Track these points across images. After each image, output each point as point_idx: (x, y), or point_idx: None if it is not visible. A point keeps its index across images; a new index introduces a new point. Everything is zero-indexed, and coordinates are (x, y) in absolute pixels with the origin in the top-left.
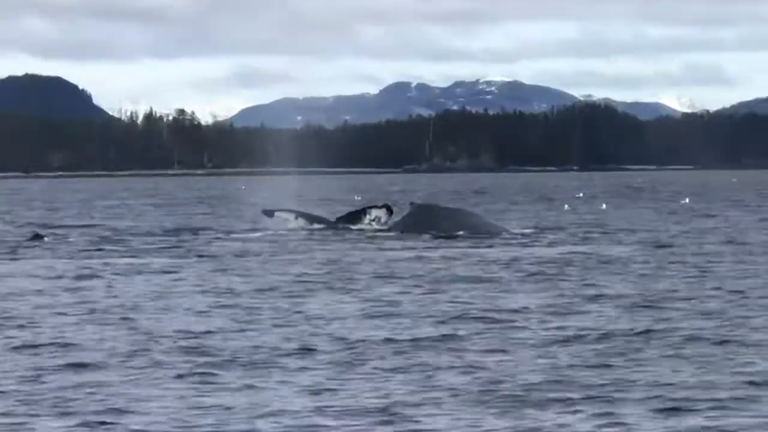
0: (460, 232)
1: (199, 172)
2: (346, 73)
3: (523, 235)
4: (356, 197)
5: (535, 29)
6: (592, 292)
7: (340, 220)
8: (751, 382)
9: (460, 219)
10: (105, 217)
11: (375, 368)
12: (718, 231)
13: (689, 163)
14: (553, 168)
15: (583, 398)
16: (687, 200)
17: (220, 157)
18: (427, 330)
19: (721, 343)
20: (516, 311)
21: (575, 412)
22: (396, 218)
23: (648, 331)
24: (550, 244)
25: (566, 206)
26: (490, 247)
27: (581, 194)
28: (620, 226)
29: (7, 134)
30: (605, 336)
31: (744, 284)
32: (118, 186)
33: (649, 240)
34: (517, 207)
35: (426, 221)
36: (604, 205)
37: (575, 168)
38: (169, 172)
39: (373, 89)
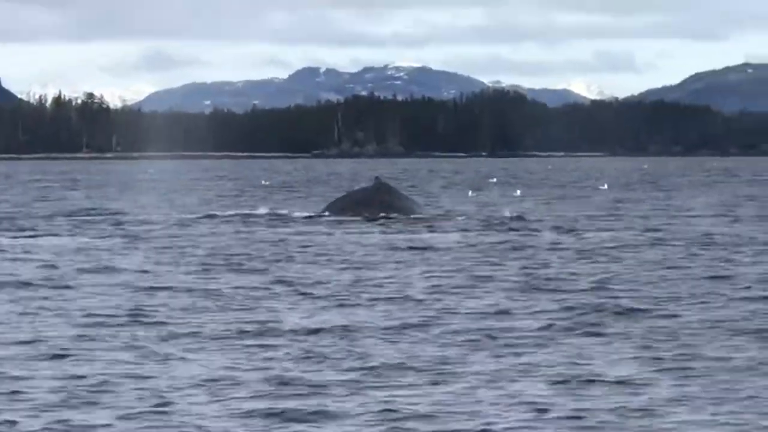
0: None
1: (108, 155)
2: (255, 58)
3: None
4: (263, 182)
5: (443, 15)
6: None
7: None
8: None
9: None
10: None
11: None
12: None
13: (598, 150)
14: (462, 154)
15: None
16: (606, 186)
17: (128, 141)
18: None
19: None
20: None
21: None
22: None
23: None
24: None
25: (470, 192)
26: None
27: (494, 180)
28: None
29: None
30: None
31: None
32: (24, 169)
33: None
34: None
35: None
36: (518, 191)
37: (484, 154)
38: (78, 155)
39: (282, 74)
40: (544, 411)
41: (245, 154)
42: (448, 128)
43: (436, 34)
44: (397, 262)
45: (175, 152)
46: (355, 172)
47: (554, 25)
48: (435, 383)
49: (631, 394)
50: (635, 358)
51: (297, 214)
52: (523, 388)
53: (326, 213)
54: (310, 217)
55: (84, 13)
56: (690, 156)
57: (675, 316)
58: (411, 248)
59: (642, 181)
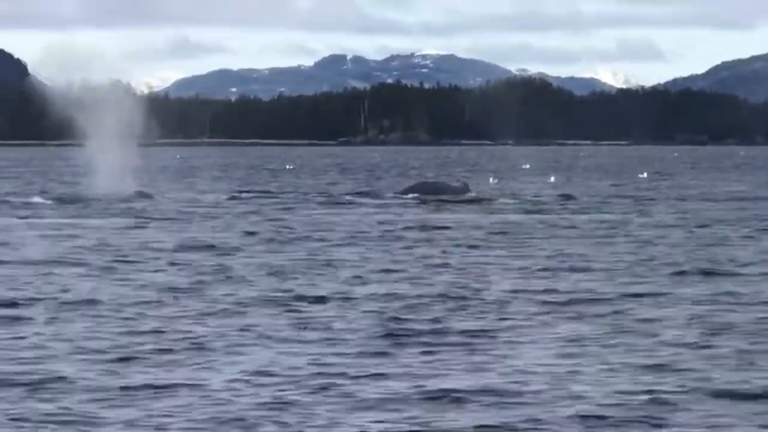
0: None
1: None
2: (281, 45)
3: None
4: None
5: (470, 3)
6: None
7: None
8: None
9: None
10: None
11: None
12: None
13: (623, 139)
14: (489, 142)
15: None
16: (645, 174)
17: (155, 127)
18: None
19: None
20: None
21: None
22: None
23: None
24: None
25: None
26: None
27: (528, 165)
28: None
29: None
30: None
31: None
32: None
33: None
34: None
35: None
36: (552, 178)
37: (510, 142)
38: (105, 142)
39: (309, 61)
40: None
41: (271, 141)
42: (474, 116)
43: (462, 22)
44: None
45: (200, 139)
46: (388, 159)
47: (580, 13)
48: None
49: None
50: None
51: (386, 194)
52: None
53: (409, 195)
54: (398, 196)
55: (111, 0)
56: (716, 145)
57: None
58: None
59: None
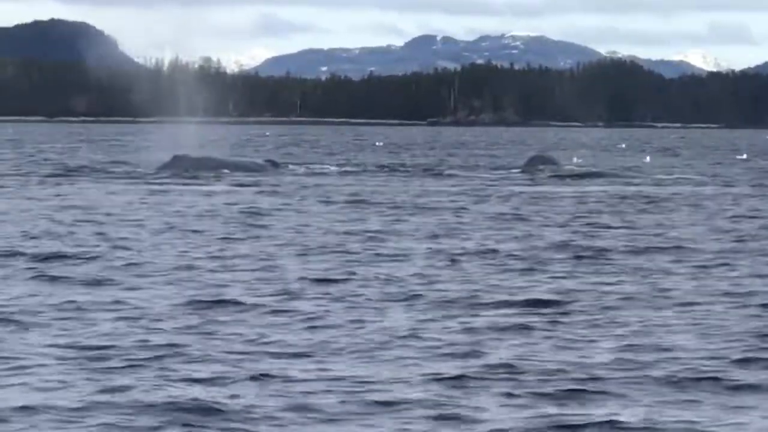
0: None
1: (224, 119)
2: (371, 25)
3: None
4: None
5: None
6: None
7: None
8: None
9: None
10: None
11: None
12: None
13: (714, 122)
14: (578, 124)
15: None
16: (745, 155)
17: (244, 105)
18: None
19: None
20: None
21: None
22: None
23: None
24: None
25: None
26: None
27: (623, 145)
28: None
29: (32, 79)
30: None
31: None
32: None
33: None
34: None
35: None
36: (648, 158)
37: (600, 124)
38: (194, 119)
39: (398, 41)
40: None
41: (361, 120)
42: (564, 98)
43: (552, 3)
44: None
45: (289, 117)
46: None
47: None
48: None
49: None
50: None
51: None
52: None
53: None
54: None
55: None
56: None
57: None
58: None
59: None
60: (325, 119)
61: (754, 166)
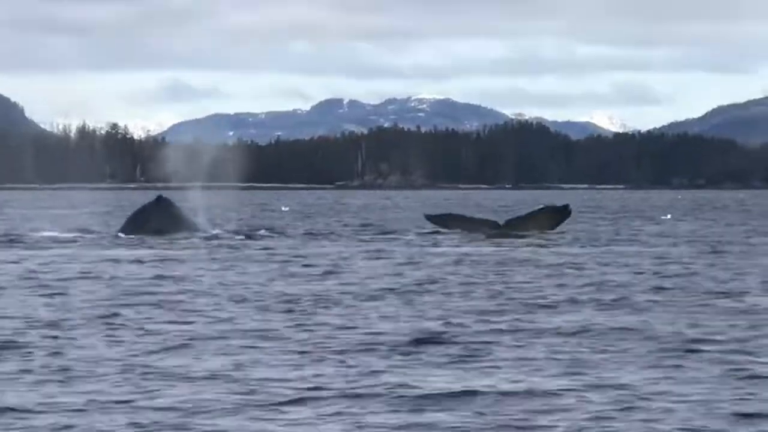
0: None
1: (132, 185)
2: (278, 89)
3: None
4: (283, 208)
5: (464, 47)
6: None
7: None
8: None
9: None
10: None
11: None
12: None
13: (620, 183)
14: (485, 186)
15: None
16: (669, 216)
17: (152, 171)
18: None
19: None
20: None
21: None
22: None
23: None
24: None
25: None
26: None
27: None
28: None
29: None
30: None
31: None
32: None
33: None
34: None
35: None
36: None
37: (508, 186)
38: (102, 185)
39: (305, 105)
40: None
41: (269, 185)
42: (471, 160)
43: (457, 66)
44: None
45: (198, 182)
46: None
47: (574, 57)
48: None
49: None
50: None
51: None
52: None
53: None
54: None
55: (105, 44)
56: (713, 189)
57: None
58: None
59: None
60: (233, 184)
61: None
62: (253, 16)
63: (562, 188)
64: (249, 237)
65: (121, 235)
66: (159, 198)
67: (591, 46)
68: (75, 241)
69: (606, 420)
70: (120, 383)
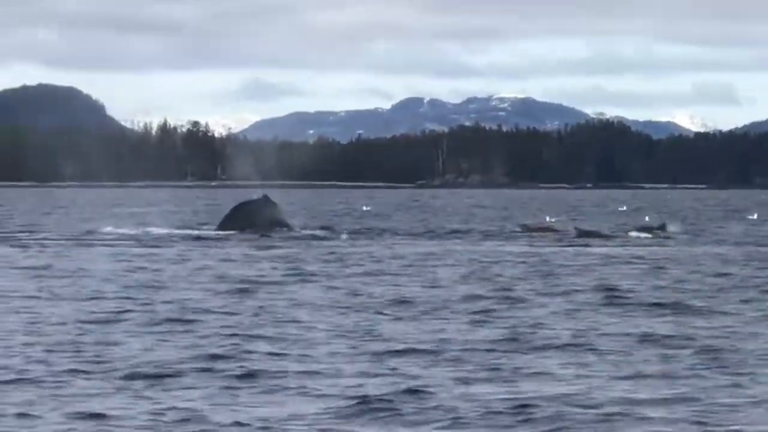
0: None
1: (213, 183)
2: (358, 88)
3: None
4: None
5: (546, 47)
6: None
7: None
8: None
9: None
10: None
11: None
12: None
13: (701, 182)
14: (567, 185)
15: None
16: (755, 215)
17: (232, 169)
18: None
19: None
20: None
21: None
22: None
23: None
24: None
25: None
26: None
27: (624, 208)
28: None
29: (22, 144)
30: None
31: None
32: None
33: None
34: None
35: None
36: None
37: (589, 186)
38: (183, 183)
39: (386, 104)
40: None
41: (348, 183)
42: (552, 159)
43: (538, 65)
44: None
45: (279, 181)
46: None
47: (657, 56)
48: None
49: None
50: None
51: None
52: None
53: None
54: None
55: (187, 43)
56: None
57: None
58: None
59: None
60: (314, 183)
61: None
62: (335, 15)
63: (643, 188)
64: (348, 236)
65: (219, 232)
66: (265, 197)
67: (672, 46)
68: (197, 239)
69: None
70: None
